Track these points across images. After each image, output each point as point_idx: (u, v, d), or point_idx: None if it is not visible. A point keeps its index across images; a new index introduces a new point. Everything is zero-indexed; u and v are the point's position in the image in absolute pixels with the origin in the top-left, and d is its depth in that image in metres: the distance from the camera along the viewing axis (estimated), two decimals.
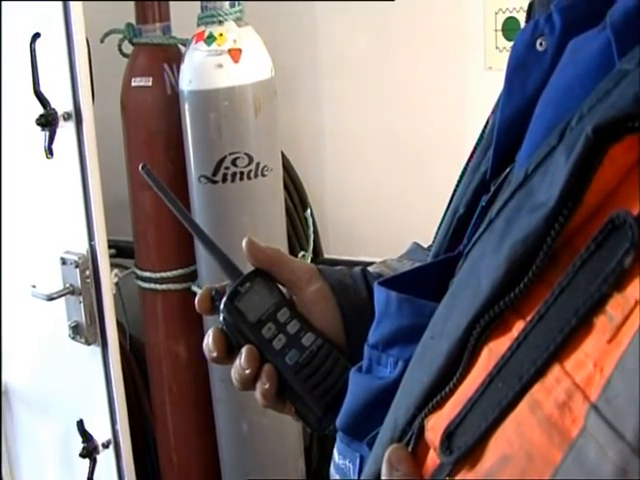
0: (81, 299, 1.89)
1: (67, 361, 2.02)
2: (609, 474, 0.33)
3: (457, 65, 2.23)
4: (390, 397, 0.54)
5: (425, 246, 0.90)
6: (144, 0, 2.12)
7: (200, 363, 2.16)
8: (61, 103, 1.80)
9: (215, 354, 0.79)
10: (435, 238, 0.73)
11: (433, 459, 0.45)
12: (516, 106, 0.60)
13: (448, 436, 0.43)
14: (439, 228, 0.72)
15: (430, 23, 2.23)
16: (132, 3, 2.13)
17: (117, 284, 2.11)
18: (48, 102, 1.79)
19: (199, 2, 1.98)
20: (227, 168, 1.95)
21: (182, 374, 2.24)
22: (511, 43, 0.62)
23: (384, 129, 2.35)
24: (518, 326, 0.42)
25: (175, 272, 2.17)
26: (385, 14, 2.21)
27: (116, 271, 2.09)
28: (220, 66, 1.92)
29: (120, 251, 2.31)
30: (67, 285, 1.90)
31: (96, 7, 2.01)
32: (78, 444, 1.97)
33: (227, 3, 1.95)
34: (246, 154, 1.96)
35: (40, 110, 1.78)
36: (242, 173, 1.96)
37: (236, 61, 1.92)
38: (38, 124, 1.77)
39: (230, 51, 1.92)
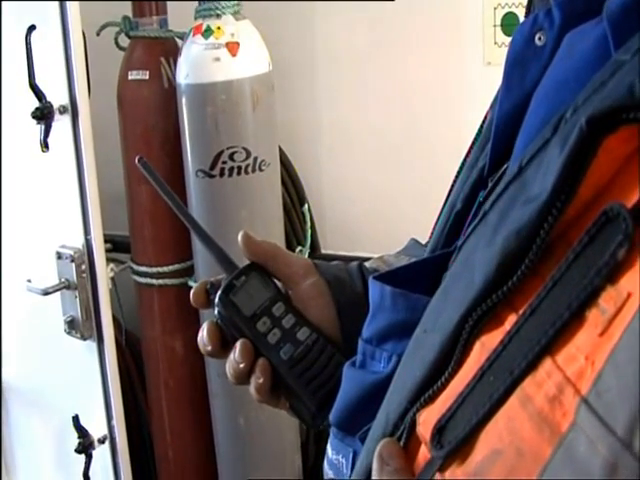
0: (77, 294, 1.89)
1: (63, 356, 2.02)
2: (599, 469, 0.32)
3: (456, 60, 2.23)
4: (383, 392, 0.54)
5: (423, 242, 0.89)
6: None
7: (196, 358, 2.16)
8: (57, 96, 1.79)
9: (210, 348, 0.79)
10: (432, 234, 0.72)
11: (424, 453, 0.45)
12: (514, 101, 0.59)
13: (439, 430, 0.43)
14: (436, 224, 0.72)
15: (429, 18, 2.23)
16: None
17: (113, 279, 2.11)
18: (44, 95, 1.78)
19: None
20: (224, 162, 1.95)
21: (178, 369, 2.24)
22: (510, 38, 0.61)
23: (382, 124, 2.34)
24: (511, 320, 0.41)
25: (172, 267, 2.17)
26: (384, 9, 2.20)
27: (112, 266, 2.09)
28: (218, 59, 1.91)
29: (116, 245, 2.30)
30: (63, 280, 1.89)
31: None
32: (74, 439, 1.97)
33: None
34: (244, 148, 1.95)
35: (36, 103, 1.78)
36: (240, 167, 1.96)
37: (234, 55, 1.92)
38: (34, 117, 1.77)
39: (228, 44, 1.92)
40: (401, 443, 0.47)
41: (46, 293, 1.88)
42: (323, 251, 2.42)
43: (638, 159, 0.38)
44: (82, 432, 1.97)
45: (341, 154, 2.43)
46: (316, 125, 2.43)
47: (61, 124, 1.81)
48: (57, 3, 1.74)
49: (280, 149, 2.12)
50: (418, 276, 0.64)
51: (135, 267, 2.20)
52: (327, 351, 0.77)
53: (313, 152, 2.44)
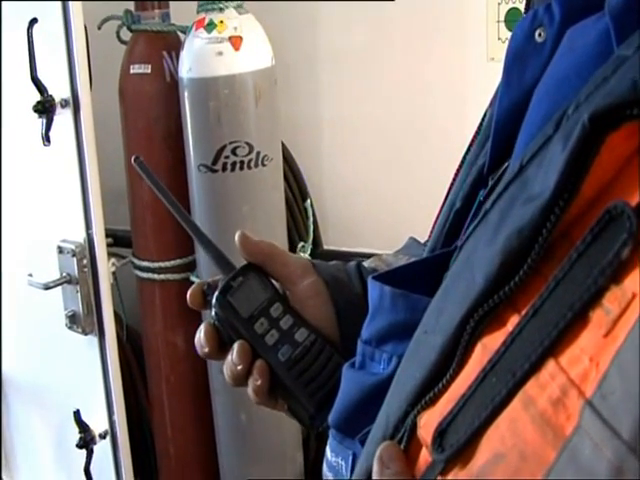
0: (78, 288, 1.88)
1: (64, 351, 2.02)
2: (604, 472, 0.32)
3: (459, 56, 2.22)
4: (383, 394, 0.53)
5: (422, 241, 0.88)
6: None
7: (198, 354, 2.16)
8: (58, 90, 1.79)
9: (207, 349, 0.78)
10: (432, 233, 0.72)
11: (425, 457, 0.45)
12: (514, 98, 0.59)
13: (440, 433, 0.42)
14: (436, 223, 0.71)
15: (432, 14, 2.23)
16: None
17: (114, 273, 2.11)
18: (45, 89, 1.78)
19: None
20: (227, 157, 1.95)
21: (180, 365, 2.23)
22: None
23: (384, 120, 2.34)
24: (513, 320, 0.41)
25: (173, 262, 2.16)
26: (387, 5, 2.19)
27: (113, 260, 2.09)
28: (220, 54, 1.91)
29: (117, 240, 2.30)
30: (64, 274, 1.89)
31: None
32: (75, 434, 1.97)
33: None
34: (246, 143, 1.95)
35: (37, 97, 1.77)
36: (242, 162, 1.95)
37: (237, 49, 1.91)
38: (35, 111, 1.77)
39: (231, 39, 1.91)
40: (402, 446, 0.47)
41: (47, 287, 1.88)
42: (325, 247, 2.41)
43: None
44: (83, 427, 1.97)
45: (343, 150, 2.42)
46: (318, 120, 2.43)
47: (63, 118, 1.80)
48: None
49: (282, 144, 2.12)
50: (418, 276, 0.63)
51: (136, 262, 2.20)
52: (325, 352, 0.77)
53: (315, 147, 2.44)
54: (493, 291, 0.42)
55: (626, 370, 0.32)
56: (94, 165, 1.82)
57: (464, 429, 0.41)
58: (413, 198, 2.30)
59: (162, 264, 2.16)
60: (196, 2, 1.97)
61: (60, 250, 1.88)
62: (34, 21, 1.73)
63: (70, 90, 1.79)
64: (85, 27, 1.80)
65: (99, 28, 2.13)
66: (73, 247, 1.86)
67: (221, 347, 0.78)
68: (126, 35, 2.15)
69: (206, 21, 1.93)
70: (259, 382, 0.75)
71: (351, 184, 2.43)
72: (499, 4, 2.12)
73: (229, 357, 0.77)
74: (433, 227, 0.71)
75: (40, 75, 1.77)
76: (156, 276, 2.17)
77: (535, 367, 0.37)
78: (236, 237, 0.80)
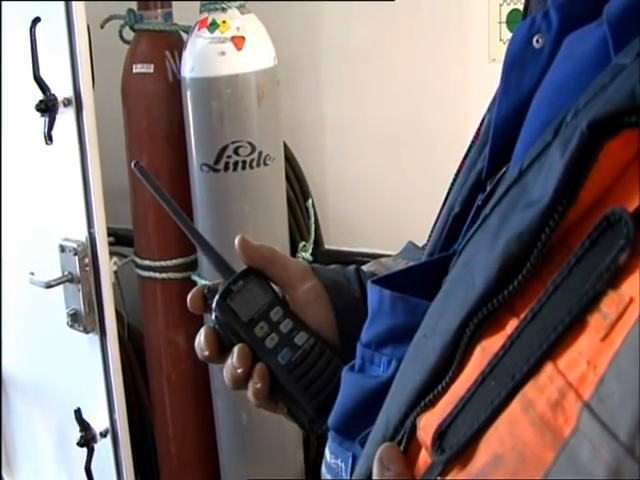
0: (80, 287, 1.89)
1: (65, 349, 2.02)
2: (602, 474, 0.32)
3: (461, 57, 2.22)
4: (383, 397, 0.54)
5: (420, 245, 0.89)
6: None
7: None
8: (61, 89, 1.79)
9: (207, 353, 0.78)
10: (430, 237, 0.72)
11: (425, 458, 0.45)
12: (512, 104, 0.59)
13: (440, 435, 0.43)
14: (434, 227, 0.71)
15: (434, 14, 2.22)
16: None
17: (116, 272, 2.11)
18: (48, 88, 1.78)
19: None
20: (229, 156, 1.95)
21: (181, 364, 2.23)
22: None
23: (386, 120, 2.34)
24: (512, 324, 0.41)
25: (175, 261, 2.16)
26: (389, 5, 2.19)
27: (115, 259, 2.09)
28: (223, 53, 1.91)
29: (119, 239, 2.30)
30: (66, 273, 1.89)
31: None
32: (76, 433, 1.97)
33: None
34: (249, 143, 1.95)
35: (40, 96, 1.77)
36: (244, 162, 1.96)
37: (239, 49, 1.91)
38: (38, 110, 1.77)
39: (233, 38, 1.91)
40: (401, 447, 0.47)
41: (49, 286, 1.88)
42: (327, 246, 2.41)
43: (639, 163, 0.38)
44: (84, 425, 1.97)
45: (345, 149, 2.42)
46: (320, 120, 2.43)
47: (65, 117, 1.80)
48: None
49: (284, 144, 2.12)
50: (417, 280, 0.63)
51: (138, 261, 2.20)
52: (325, 355, 0.77)
53: (317, 147, 2.44)
54: (492, 295, 0.42)
55: (623, 373, 0.33)
56: (96, 164, 1.82)
57: (463, 431, 0.41)
58: (415, 198, 2.29)
59: (164, 263, 2.16)
60: (199, 2, 1.97)
61: (62, 249, 1.89)
62: (37, 20, 1.73)
63: (72, 89, 1.79)
64: (88, 26, 1.79)
65: (102, 27, 2.13)
66: (75, 246, 1.86)
67: (221, 351, 0.78)
68: (129, 35, 2.15)
69: (209, 21, 1.93)
70: (259, 385, 0.76)
71: (353, 184, 2.43)
72: (501, 5, 2.12)
73: (229, 360, 0.77)
74: (432, 232, 0.72)
75: (43, 74, 1.77)
76: (158, 275, 2.17)
77: (534, 370, 0.38)
78: (236, 241, 0.80)
